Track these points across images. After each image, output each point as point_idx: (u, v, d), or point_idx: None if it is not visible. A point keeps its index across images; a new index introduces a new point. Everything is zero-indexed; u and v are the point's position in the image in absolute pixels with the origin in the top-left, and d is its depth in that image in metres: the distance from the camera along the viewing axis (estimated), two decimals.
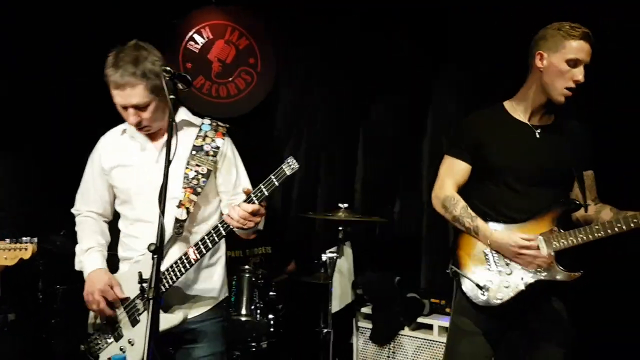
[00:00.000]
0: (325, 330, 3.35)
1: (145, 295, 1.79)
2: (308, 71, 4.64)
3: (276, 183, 1.95)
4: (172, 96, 1.88)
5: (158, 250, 1.78)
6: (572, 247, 2.09)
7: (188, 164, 2.19)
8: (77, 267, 2.29)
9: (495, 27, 3.67)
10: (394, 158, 4.34)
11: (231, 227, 2.04)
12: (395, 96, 4.35)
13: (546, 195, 2.20)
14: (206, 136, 2.26)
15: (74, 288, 3.60)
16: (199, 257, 2.08)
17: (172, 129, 1.86)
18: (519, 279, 2.15)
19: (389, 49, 4.25)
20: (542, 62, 2.19)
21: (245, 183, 2.33)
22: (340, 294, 3.73)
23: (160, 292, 2.00)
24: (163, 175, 1.83)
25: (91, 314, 2.26)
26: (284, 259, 4.09)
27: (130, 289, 2.16)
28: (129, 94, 2.06)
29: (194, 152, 2.21)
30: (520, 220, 2.19)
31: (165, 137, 2.14)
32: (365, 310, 3.79)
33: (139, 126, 2.15)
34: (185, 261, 2.09)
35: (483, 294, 2.16)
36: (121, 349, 2.16)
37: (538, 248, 2.10)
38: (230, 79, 4.58)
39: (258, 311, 3.54)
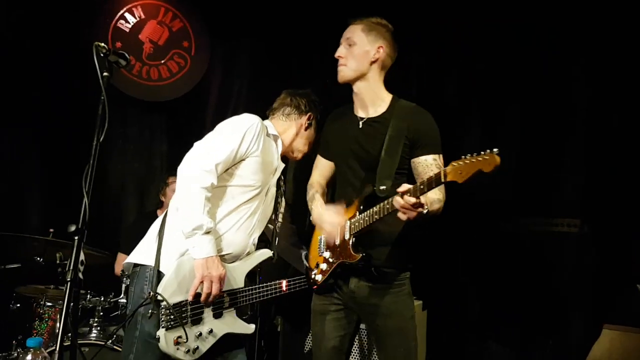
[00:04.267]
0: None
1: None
2: (244, 57, 4.60)
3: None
4: (105, 73, 1.86)
5: (79, 231, 1.73)
6: (365, 228, 2.16)
7: (277, 190, 2.55)
8: (191, 237, 2.13)
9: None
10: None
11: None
12: (327, 87, 4.39)
13: (362, 181, 2.30)
14: (282, 180, 2.59)
15: None
16: (286, 292, 2.41)
17: (104, 105, 1.84)
18: (330, 260, 2.29)
19: (324, 39, 4.28)
20: None
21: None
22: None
23: (247, 302, 2.33)
24: (92, 156, 1.81)
25: (180, 283, 2.15)
26: None
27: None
28: None
29: (278, 187, 2.54)
30: (347, 205, 2.30)
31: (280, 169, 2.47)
32: None
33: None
34: (277, 289, 2.43)
35: (313, 275, 2.36)
36: (199, 334, 2.16)
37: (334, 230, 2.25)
38: (163, 61, 4.45)
39: None
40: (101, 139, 1.90)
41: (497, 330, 3.54)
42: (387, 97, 2.36)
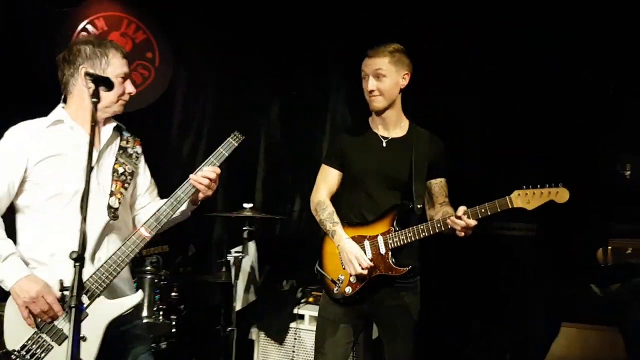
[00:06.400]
0: (229, 329, 3.40)
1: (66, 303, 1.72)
2: (208, 68, 4.63)
3: (225, 154, 2.15)
4: (94, 99, 1.89)
5: (80, 258, 1.76)
6: (405, 244, 2.34)
7: (117, 160, 2.21)
8: None
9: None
10: (294, 157, 4.47)
11: (196, 190, 2.11)
12: (295, 97, 4.49)
13: (390, 198, 2.45)
14: (128, 140, 2.30)
15: None
16: (151, 235, 2.07)
17: (93, 132, 1.86)
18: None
19: (289, 49, 4.37)
20: None
21: (154, 190, 2.40)
22: (244, 293, 3.79)
23: (108, 280, 2.02)
24: (85, 181, 1.80)
25: (17, 323, 2.01)
26: (183, 258, 4.07)
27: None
28: None
29: (120, 151, 2.24)
30: (370, 221, 2.46)
31: (104, 136, 2.19)
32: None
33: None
34: (138, 240, 2.05)
35: (337, 288, 2.44)
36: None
37: (362, 264, 2.34)
38: None
39: (160, 313, 3.50)
40: (93, 165, 1.95)
41: (456, 329, 3.69)
42: (406, 121, 2.57)
